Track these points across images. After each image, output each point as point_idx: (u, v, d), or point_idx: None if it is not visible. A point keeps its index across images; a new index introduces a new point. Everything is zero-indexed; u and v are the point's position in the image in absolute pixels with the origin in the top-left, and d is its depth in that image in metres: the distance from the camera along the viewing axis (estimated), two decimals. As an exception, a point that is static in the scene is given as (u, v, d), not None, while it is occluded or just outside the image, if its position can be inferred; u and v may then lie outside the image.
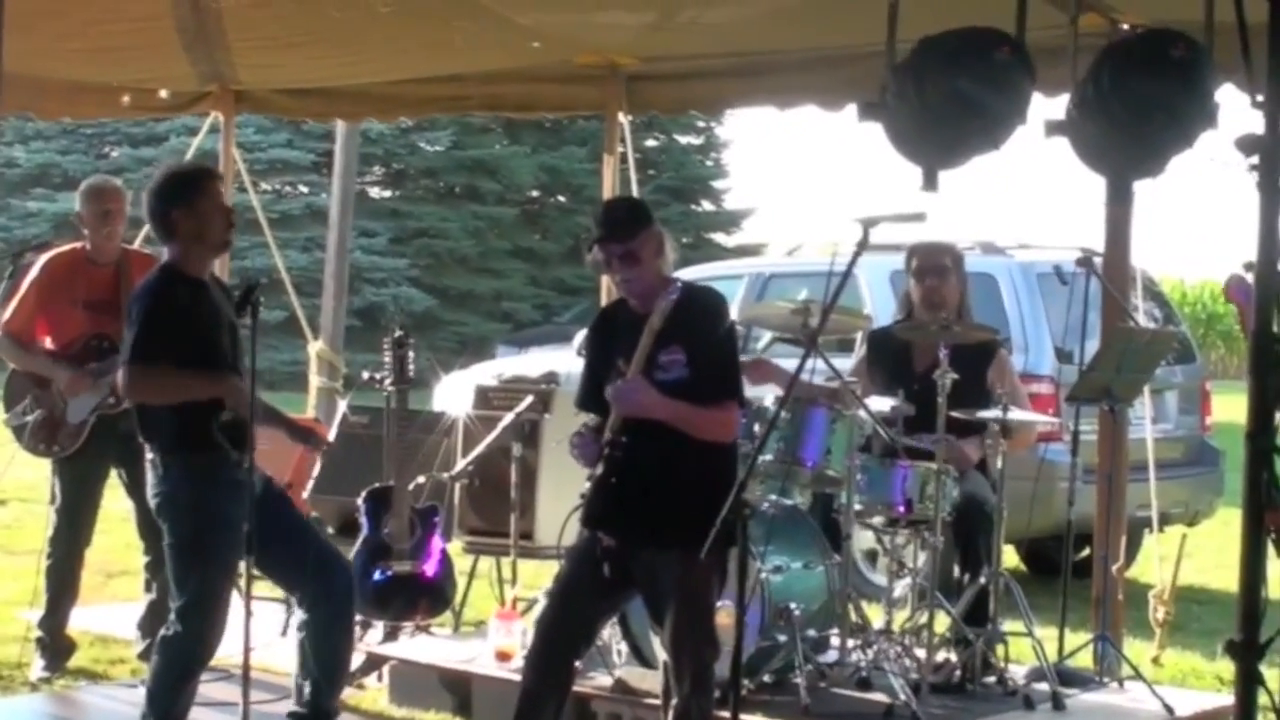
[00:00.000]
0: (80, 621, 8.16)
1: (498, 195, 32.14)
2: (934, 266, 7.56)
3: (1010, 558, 11.50)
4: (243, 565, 5.86)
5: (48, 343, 7.73)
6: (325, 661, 6.33)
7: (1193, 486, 11.16)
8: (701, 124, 34.85)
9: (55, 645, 7.84)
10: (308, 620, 6.27)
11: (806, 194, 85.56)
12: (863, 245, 4.65)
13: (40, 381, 7.66)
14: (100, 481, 7.81)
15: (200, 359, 6.01)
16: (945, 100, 3.36)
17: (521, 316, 31.72)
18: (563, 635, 5.83)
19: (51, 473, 7.81)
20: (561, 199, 34.22)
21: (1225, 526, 12.08)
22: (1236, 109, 3.53)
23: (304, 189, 30.42)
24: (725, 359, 5.71)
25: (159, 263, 6.27)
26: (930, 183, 3.49)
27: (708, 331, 5.67)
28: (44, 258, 7.88)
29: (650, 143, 33.26)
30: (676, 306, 5.54)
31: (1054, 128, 3.52)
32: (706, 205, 36.09)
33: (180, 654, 6.13)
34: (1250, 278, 5.04)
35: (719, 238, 35.74)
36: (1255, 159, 3.43)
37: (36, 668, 7.75)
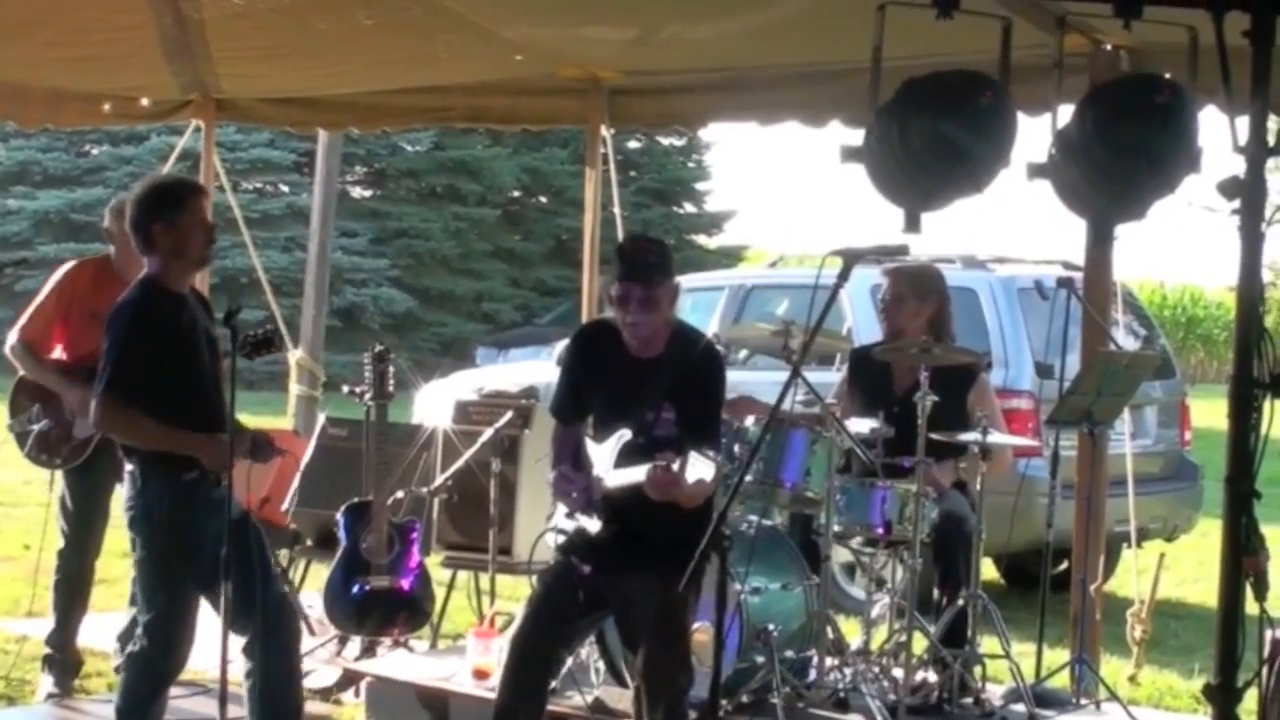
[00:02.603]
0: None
1: (479, 196, 32.10)
2: (892, 296, 7.59)
3: (989, 571, 11.52)
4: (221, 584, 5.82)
5: (60, 352, 7.62)
6: (268, 715, 6.11)
7: (1171, 502, 11.19)
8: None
9: (64, 661, 7.76)
10: (251, 669, 6.05)
11: (789, 195, 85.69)
12: (844, 278, 4.65)
13: (50, 392, 7.59)
14: (108, 494, 7.67)
15: (179, 373, 5.97)
16: (928, 144, 3.36)
17: (502, 318, 31.69)
18: (537, 654, 5.83)
19: (64, 486, 7.71)
20: (543, 200, 34.19)
21: (1204, 539, 12.12)
22: (1219, 153, 3.53)
23: (285, 188, 30.36)
24: (713, 424, 5.79)
25: (139, 276, 6.24)
26: (913, 225, 3.49)
27: (701, 397, 5.72)
28: (68, 266, 7.80)
29: (632, 144, 33.23)
30: (674, 368, 5.61)
31: (1035, 170, 3.52)
32: (688, 207, 36.08)
33: (147, 670, 6.11)
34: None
35: (701, 239, 35.77)
36: (1236, 203, 3.43)
37: (45, 685, 7.68)
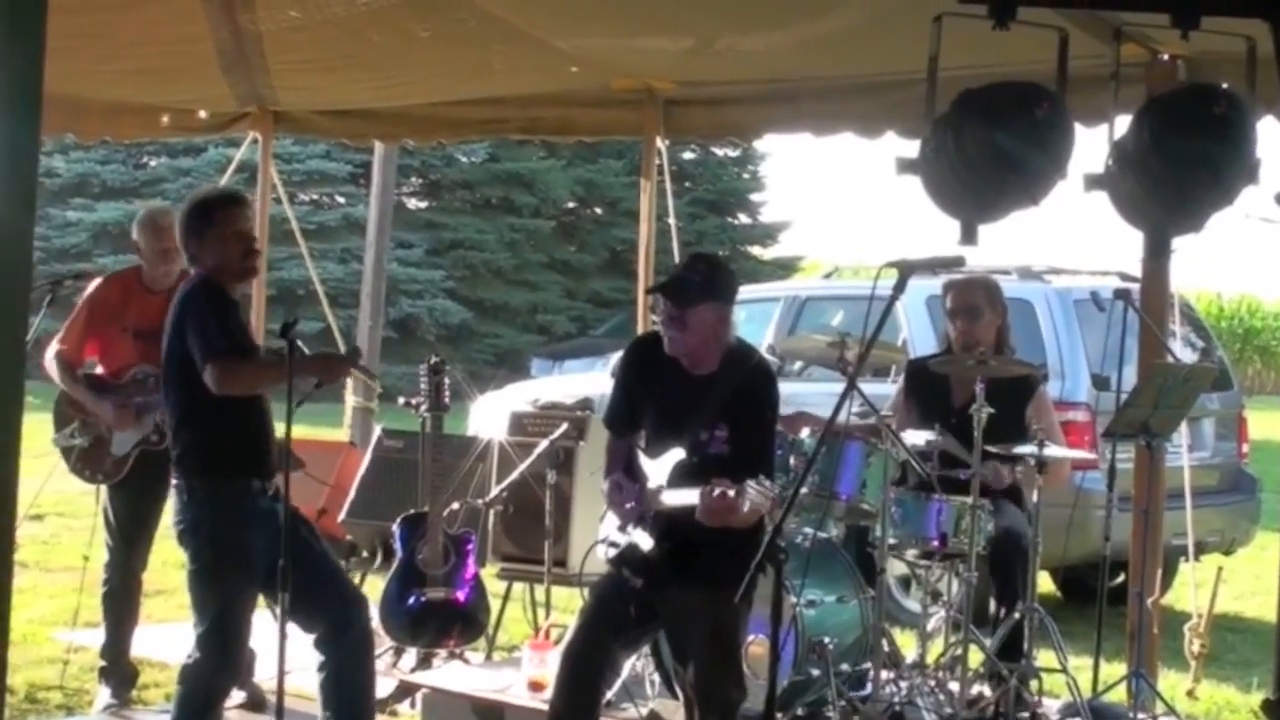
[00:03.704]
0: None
1: (534, 208, 32.14)
2: (966, 307, 7.55)
3: (1046, 584, 11.46)
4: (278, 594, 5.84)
5: (97, 367, 7.66)
6: (345, 706, 6.18)
7: (1229, 515, 11.12)
8: (739, 136, 34.71)
9: (120, 673, 7.77)
10: (325, 661, 6.14)
11: (844, 206, 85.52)
12: (900, 289, 4.63)
13: (87, 407, 7.64)
14: (153, 506, 7.66)
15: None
16: (984, 156, 3.33)
17: (557, 329, 31.72)
18: (589, 666, 5.81)
19: (107, 499, 7.74)
20: (598, 211, 34.20)
21: (1262, 552, 12.03)
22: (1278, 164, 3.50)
23: (341, 200, 30.45)
24: (766, 443, 5.76)
25: (198, 273, 6.27)
26: (969, 237, 3.47)
27: (754, 416, 5.70)
28: (98, 280, 7.84)
29: (687, 155, 33.23)
30: (728, 388, 5.60)
31: (1093, 181, 3.50)
32: (743, 218, 36.01)
33: (201, 682, 6.11)
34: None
35: (755, 250, 35.71)
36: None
37: (102, 697, 7.69)
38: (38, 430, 7.85)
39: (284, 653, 5.79)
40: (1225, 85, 3.45)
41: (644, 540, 5.69)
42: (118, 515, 7.70)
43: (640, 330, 9.14)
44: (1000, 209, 3.50)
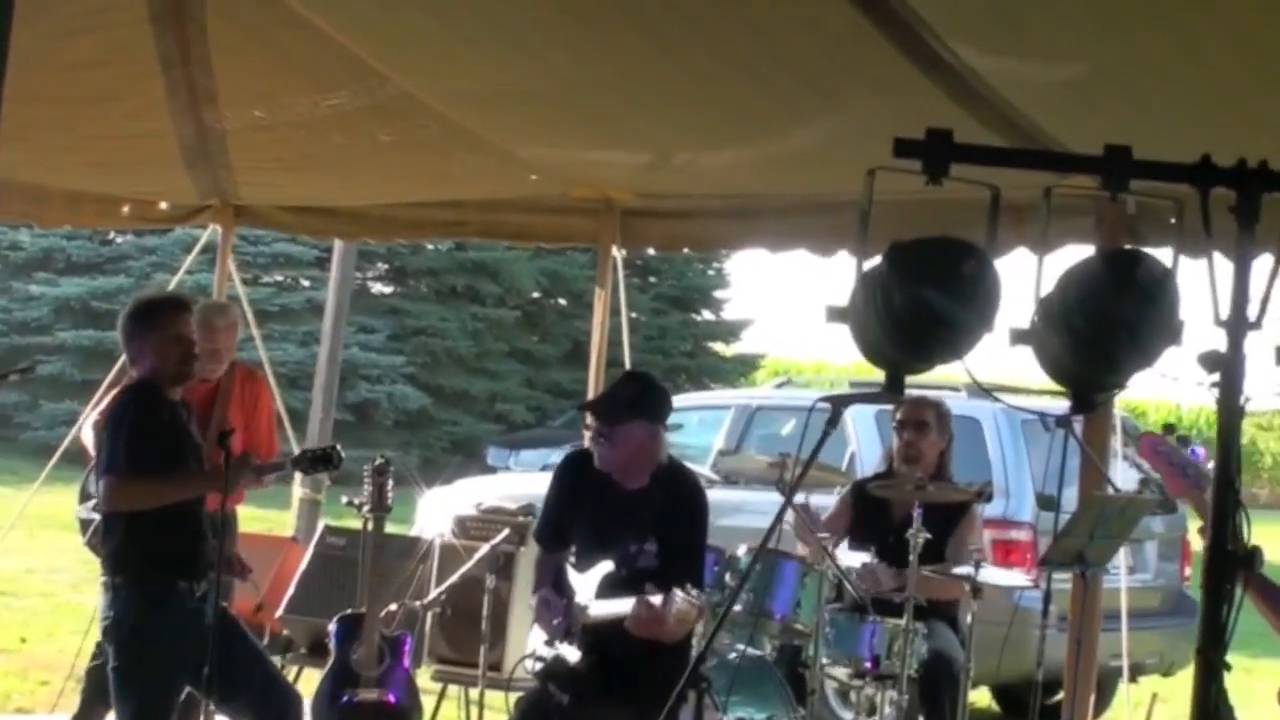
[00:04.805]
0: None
1: (498, 297, 32.20)
2: (915, 421, 7.67)
3: (984, 698, 11.50)
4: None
5: None
6: None
7: (1169, 637, 11.16)
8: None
9: None
10: None
11: (806, 306, 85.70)
12: (833, 424, 4.72)
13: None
14: None
15: (166, 465, 6.09)
16: (910, 310, 3.40)
17: (515, 418, 31.71)
18: None
19: None
20: (562, 302, 34.27)
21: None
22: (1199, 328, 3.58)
23: (305, 283, 30.47)
24: (695, 558, 5.83)
25: (136, 380, 6.35)
26: (893, 386, 3.54)
27: (684, 531, 5.77)
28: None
29: (651, 250, 33.31)
30: (658, 503, 5.65)
31: (1018, 336, 3.57)
32: (706, 314, 36.13)
33: None
34: (1168, 439, 5.12)
35: (718, 347, 35.82)
36: (1216, 376, 3.48)
37: None
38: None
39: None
40: (1147, 250, 3.54)
41: (570, 654, 5.73)
42: None
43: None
44: (925, 361, 3.57)
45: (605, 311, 9.56)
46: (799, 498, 7.33)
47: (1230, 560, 3.53)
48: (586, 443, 6.08)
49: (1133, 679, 8.57)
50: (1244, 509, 3.56)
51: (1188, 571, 11.91)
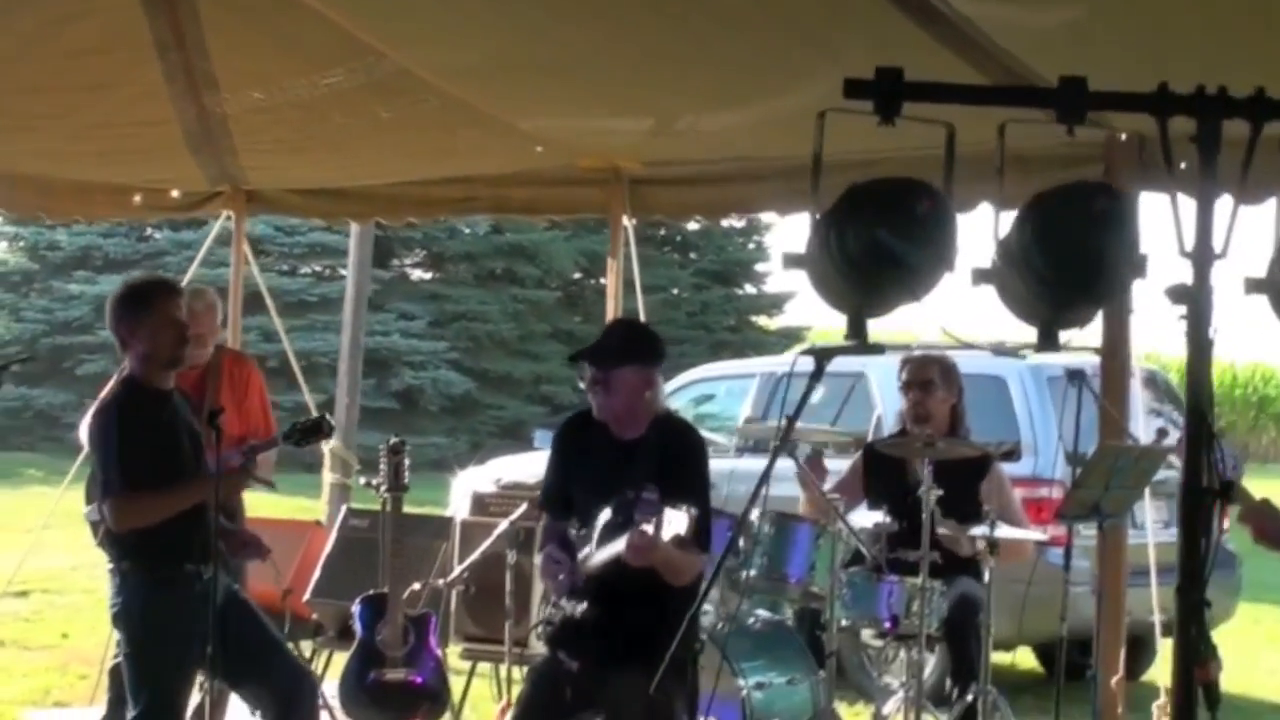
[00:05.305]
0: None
1: (537, 279, 32.15)
2: (920, 381, 7.61)
3: (1029, 659, 11.42)
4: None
5: None
6: None
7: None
8: (743, 205, 34.71)
9: None
10: None
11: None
12: (817, 377, 4.66)
13: None
14: None
15: (159, 468, 6.06)
16: (864, 252, 3.34)
17: (560, 399, 31.63)
18: None
19: None
20: (602, 281, 34.05)
21: (1255, 625, 11.92)
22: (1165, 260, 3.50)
23: (343, 272, 30.45)
24: (696, 501, 5.76)
25: (121, 376, 6.31)
26: (855, 330, 3.48)
27: (682, 479, 5.73)
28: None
29: (692, 225, 33.21)
30: (657, 451, 5.61)
31: (980, 276, 3.50)
32: (748, 288, 35.97)
33: None
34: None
35: (761, 320, 35.67)
36: (1184, 309, 3.41)
37: None
38: (29, 504, 7.88)
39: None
40: (1105, 181, 3.47)
41: (576, 607, 5.71)
42: None
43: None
44: (884, 304, 3.50)
45: (619, 282, 9.52)
46: (803, 452, 7.29)
47: (1205, 495, 3.46)
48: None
49: (1170, 634, 8.42)
50: (1219, 441, 3.49)
51: (1225, 524, 11.75)
